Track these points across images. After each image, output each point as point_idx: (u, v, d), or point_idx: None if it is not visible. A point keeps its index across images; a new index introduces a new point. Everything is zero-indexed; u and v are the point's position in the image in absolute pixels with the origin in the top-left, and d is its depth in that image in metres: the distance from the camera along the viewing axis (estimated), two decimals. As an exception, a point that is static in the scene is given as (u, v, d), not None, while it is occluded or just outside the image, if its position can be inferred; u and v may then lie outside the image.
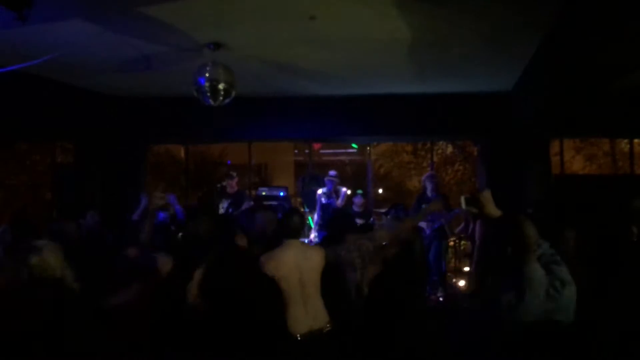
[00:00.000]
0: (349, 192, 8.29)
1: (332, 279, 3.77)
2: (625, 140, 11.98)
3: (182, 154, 13.90)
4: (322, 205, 7.99)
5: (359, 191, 8.07)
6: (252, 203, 8.08)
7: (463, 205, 2.99)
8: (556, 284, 2.48)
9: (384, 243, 4.09)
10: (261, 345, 2.56)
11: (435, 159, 13.68)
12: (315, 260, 3.75)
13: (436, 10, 4.54)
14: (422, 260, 6.34)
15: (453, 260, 8.98)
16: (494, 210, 2.83)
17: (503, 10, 4.57)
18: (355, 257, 3.93)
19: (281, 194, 8.38)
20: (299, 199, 10.88)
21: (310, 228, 8.04)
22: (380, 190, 18.68)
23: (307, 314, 3.58)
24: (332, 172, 8.23)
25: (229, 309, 2.70)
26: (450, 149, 16.32)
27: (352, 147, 21.12)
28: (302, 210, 8.95)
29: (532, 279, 2.47)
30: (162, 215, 6.28)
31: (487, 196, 2.86)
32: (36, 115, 6.93)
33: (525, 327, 2.42)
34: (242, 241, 3.90)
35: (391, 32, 5.12)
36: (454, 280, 8.19)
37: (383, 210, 8.41)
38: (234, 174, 8.01)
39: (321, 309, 3.67)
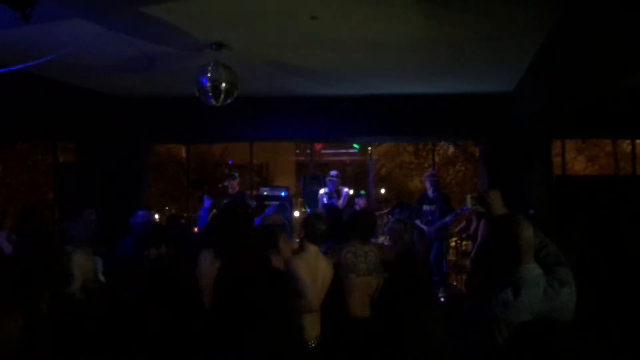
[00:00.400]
0: (351, 192, 8.30)
1: (334, 284, 3.71)
2: (627, 141, 11.99)
3: (183, 153, 13.93)
4: (324, 206, 7.99)
5: (362, 192, 8.07)
6: (253, 202, 8.10)
7: (469, 204, 3.00)
8: (554, 284, 2.48)
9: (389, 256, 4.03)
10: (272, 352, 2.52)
11: (436, 159, 13.70)
12: (330, 274, 3.66)
13: (438, 10, 4.54)
14: (425, 266, 6.34)
15: (455, 260, 8.98)
16: (501, 210, 2.83)
17: (504, 11, 4.57)
18: (361, 263, 3.87)
19: (282, 194, 8.39)
20: (300, 199, 10.89)
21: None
22: (383, 191, 18.70)
23: (307, 324, 3.53)
24: (333, 172, 8.24)
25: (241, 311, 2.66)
26: (451, 149, 16.35)
27: (354, 148, 21.14)
28: (303, 210, 8.96)
29: (528, 279, 2.48)
30: (141, 212, 6.32)
31: (495, 195, 2.86)
32: (38, 115, 6.94)
33: (521, 326, 2.43)
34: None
35: (393, 32, 5.12)
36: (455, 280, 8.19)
37: (386, 210, 8.42)
38: (236, 174, 8.01)
39: (318, 320, 3.58)
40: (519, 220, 2.61)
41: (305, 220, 3.80)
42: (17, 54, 5.34)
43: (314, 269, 3.56)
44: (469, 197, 3.01)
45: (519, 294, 2.45)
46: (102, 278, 3.01)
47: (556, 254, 2.62)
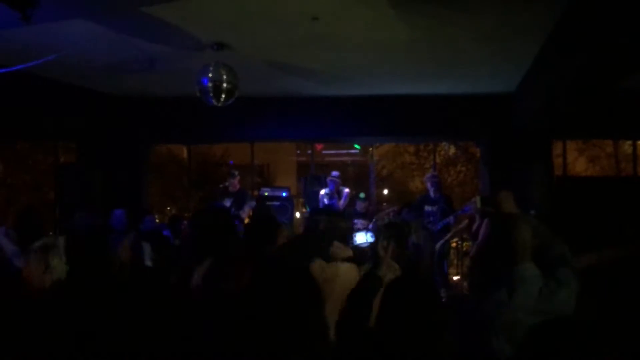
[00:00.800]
0: (347, 189, 8.29)
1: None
2: (629, 142, 11.97)
3: (185, 154, 13.93)
4: (325, 206, 7.98)
5: (362, 195, 8.06)
6: (254, 202, 8.10)
7: (478, 204, 3.03)
8: (551, 284, 2.48)
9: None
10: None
11: (437, 160, 13.68)
12: (352, 277, 3.54)
13: (439, 10, 4.54)
14: (430, 268, 6.32)
15: (455, 261, 8.98)
16: (513, 210, 2.84)
17: (505, 11, 4.57)
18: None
19: (283, 194, 8.39)
20: (301, 200, 10.88)
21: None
22: (386, 191, 18.70)
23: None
24: (334, 173, 8.23)
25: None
26: (452, 150, 16.31)
27: (355, 148, 21.15)
28: (304, 210, 8.96)
29: (524, 278, 2.49)
30: (117, 212, 6.37)
31: (506, 196, 2.87)
32: (40, 115, 6.94)
33: (516, 325, 2.44)
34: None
35: (394, 33, 5.12)
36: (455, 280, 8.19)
37: (389, 210, 8.40)
38: (236, 172, 8.03)
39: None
40: (516, 220, 2.62)
41: (326, 221, 3.68)
42: (18, 54, 5.35)
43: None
44: (477, 198, 3.05)
45: (513, 294, 2.46)
46: (149, 263, 3.12)
47: (563, 255, 2.62)
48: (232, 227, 3.24)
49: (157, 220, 11.30)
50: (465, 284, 7.97)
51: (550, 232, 2.71)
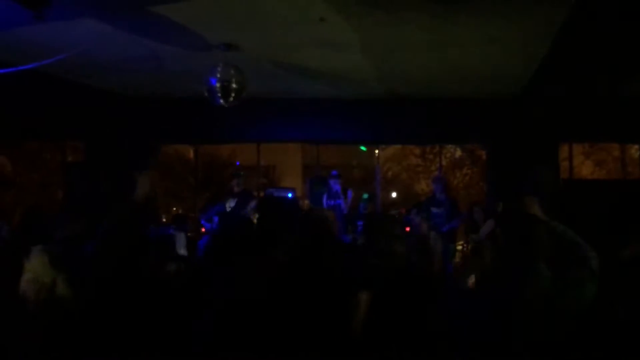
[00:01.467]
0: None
1: None
2: (635, 146, 11.91)
3: (191, 154, 13.98)
4: (330, 207, 7.97)
5: (365, 195, 8.05)
6: (254, 203, 8.11)
7: (499, 210, 3.08)
8: (561, 285, 2.50)
9: None
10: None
11: (443, 162, 13.66)
12: None
13: (445, 13, 4.56)
14: (441, 271, 6.30)
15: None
16: (539, 213, 2.85)
17: (512, 14, 4.58)
18: None
19: (289, 195, 8.41)
20: (306, 201, 10.89)
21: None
22: (394, 194, 18.65)
23: None
24: (333, 172, 8.17)
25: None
26: (458, 152, 16.26)
27: (361, 150, 21.11)
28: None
29: (534, 278, 2.50)
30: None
31: (530, 201, 2.89)
32: (47, 114, 6.98)
33: (523, 324, 2.46)
34: None
35: (400, 35, 5.14)
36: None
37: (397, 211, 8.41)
38: (241, 172, 8.06)
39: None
40: (532, 222, 2.63)
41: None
42: (27, 53, 5.39)
43: None
44: (500, 204, 3.10)
45: (522, 292, 2.48)
46: (183, 252, 3.17)
47: (583, 259, 2.62)
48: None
49: (163, 219, 11.35)
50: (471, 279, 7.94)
51: (576, 237, 2.71)
